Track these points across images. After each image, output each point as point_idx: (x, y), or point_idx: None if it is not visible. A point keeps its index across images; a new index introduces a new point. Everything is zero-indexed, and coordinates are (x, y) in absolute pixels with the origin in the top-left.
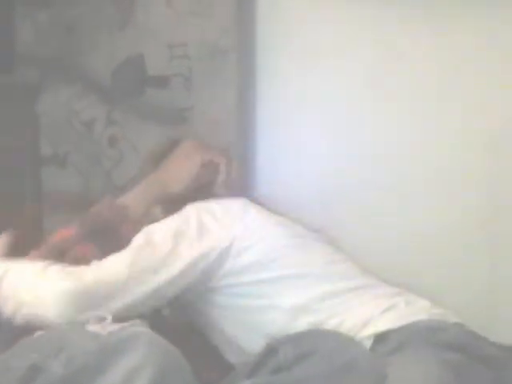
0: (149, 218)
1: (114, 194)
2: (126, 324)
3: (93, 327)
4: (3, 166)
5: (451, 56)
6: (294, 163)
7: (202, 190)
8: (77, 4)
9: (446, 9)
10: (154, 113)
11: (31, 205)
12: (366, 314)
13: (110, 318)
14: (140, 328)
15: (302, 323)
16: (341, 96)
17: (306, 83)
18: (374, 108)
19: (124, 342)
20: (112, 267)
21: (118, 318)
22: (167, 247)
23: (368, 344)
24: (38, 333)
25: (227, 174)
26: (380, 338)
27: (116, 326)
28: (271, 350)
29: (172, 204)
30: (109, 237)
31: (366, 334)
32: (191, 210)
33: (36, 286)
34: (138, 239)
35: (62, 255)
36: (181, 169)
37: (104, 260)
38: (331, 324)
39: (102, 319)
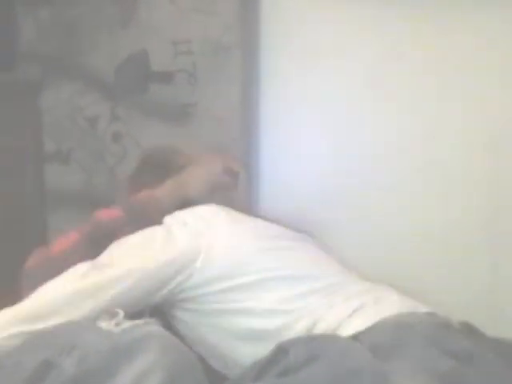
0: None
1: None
2: (138, 322)
3: (104, 323)
4: (6, 163)
5: (451, 56)
6: (297, 160)
7: (217, 196)
8: (79, 1)
9: (446, 9)
10: (157, 109)
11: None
12: (336, 316)
13: (122, 313)
14: (153, 327)
15: (274, 325)
16: (341, 95)
17: (307, 81)
18: (374, 108)
19: (137, 342)
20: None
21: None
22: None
23: None
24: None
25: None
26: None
27: (128, 323)
28: (282, 350)
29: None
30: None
31: None
32: (166, 222)
33: None
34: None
35: (109, 236)
36: (200, 177)
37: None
38: (303, 325)
39: (113, 315)
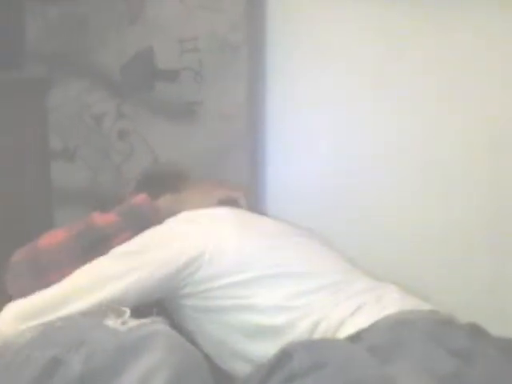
0: None
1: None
2: (145, 320)
3: (111, 322)
4: (13, 161)
5: (451, 56)
6: (303, 157)
7: None
8: None
9: (446, 9)
10: (163, 107)
11: None
12: (339, 315)
13: (128, 312)
14: (159, 326)
15: (279, 321)
16: (343, 94)
17: (313, 79)
18: (374, 108)
19: (143, 340)
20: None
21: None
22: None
23: None
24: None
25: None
26: (353, 339)
27: (135, 322)
28: (285, 355)
29: None
30: (144, 228)
31: (341, 336)
32: (171, 219)
33: None
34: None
35: (105, 239)
36: (199, 204)
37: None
38: (307, 323)
39: (120, 313)
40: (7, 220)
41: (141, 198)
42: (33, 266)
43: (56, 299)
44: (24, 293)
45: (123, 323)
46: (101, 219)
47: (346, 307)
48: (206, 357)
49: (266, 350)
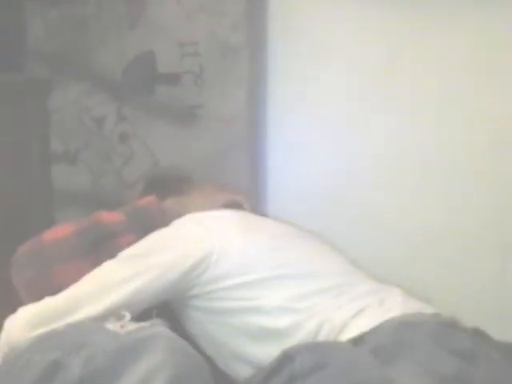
0: None
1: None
2: (145, 324)
3: (111, 325)
4: (14, 163)
5: (451, 56)
6: (304, 159)
7: None
8: (87, 2)
9: (446, 9)
10: (164, 110)
11: None
12: (342, 317)
13: (128, 316)
14: (159, 328)
15: (283, 323)
16: (344, 96)
17: (314, 81)
18: (374, 108)
19: (143, 342)
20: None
21: (138, 317)
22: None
23: None
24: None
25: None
26: (356, 342)
27: (135, 325)
28: (287, 357)
29: None
30: (150, 229)
31: (343, 338)
32: (176, 222)
33: None
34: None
35: (109, 237)
36: (203, 207)
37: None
38: (312, 325)
39: (120, 317)
40: (8, 222)
41: (148, 199)
42: (36, 258)
43: (65, 306)
44: (27, 285)
45: (122, 327)
46: (108, 217)
47: (348, 309)
48: (208, 359)
49: (269, 352)
